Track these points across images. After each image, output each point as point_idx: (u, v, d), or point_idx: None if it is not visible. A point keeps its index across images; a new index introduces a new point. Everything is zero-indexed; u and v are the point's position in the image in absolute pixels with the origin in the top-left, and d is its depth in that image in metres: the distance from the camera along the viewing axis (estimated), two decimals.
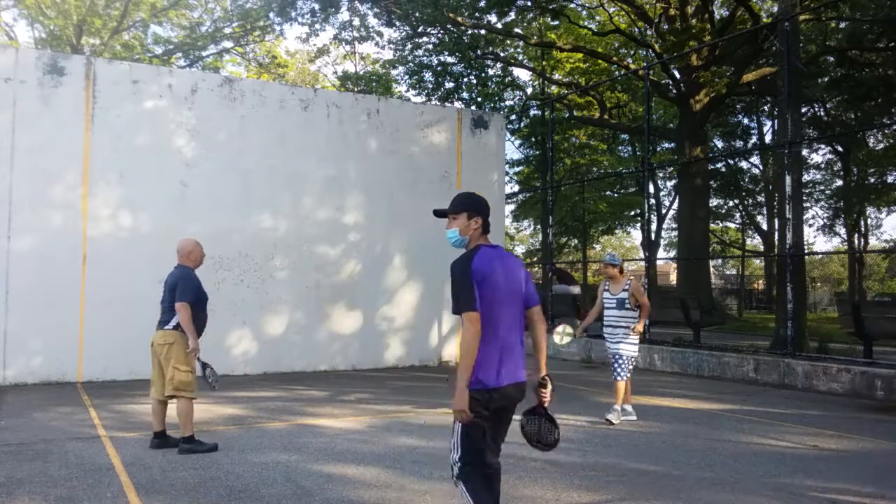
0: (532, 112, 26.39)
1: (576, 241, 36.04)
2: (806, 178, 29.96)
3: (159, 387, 5.94)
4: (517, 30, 24.65)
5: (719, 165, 30.77)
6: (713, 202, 32.04)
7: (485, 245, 3.39)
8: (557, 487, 4.99)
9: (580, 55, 24.82)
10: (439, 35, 22.11)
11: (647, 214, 16.83)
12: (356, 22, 23.78)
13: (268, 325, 11.19)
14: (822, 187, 33.22)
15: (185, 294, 5.90)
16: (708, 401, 9.09)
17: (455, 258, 3.34)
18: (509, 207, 31.53)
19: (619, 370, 7.64)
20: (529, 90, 30.22)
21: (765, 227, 33.75)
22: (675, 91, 21.07)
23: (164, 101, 10.69)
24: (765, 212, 33.58)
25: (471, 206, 3.44)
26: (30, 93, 9.84)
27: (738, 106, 27.05)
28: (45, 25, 26.99)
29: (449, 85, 23.48)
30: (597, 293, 8.18)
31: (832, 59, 21.88)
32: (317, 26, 23.20)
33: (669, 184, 34.96)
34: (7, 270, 9.55)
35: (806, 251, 19.57)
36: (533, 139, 27.97)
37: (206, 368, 6.04)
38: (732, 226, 41.60)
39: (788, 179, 11.46)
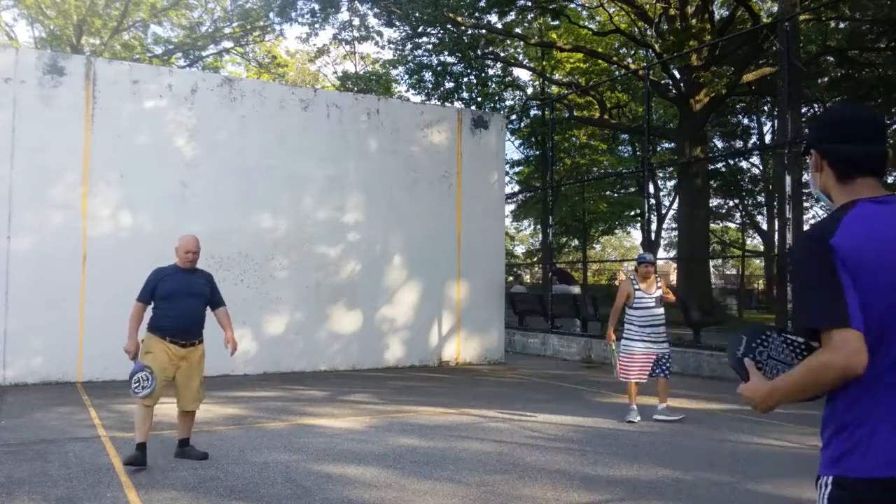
0: (532, 112, 26.39)
1: (576, 241, 36.05)
2: (806, 178, 29.91)
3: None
4: (517, 30, 24.65)
5: (719, 165, 30.77)
6: (713, 202, 32.03)
7: (865, 200, 1.75)
8: (557, 487, 4.99)
9: (580, 55, 24.81)
10: (439, 35, 22.10)
11: (647, 214, 16.85)
12: (356, 22, 23.80)
13: (268, 325, 11.19)
14: None
15: (140, 291, 5.64)
16: (708, 401, 9.09)
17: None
18: (509, 207, 31.55)
19: (670, 367, 7.70)
20: (529, 90, 30.23)
21: (765, 227, 33.77)
22: (675, 91, 21.06)
23: (164, 101, 10.69)
24: (765, 212, 33.59)
25: (815, 132, 1.88)
26: (30, 93, 9.84)
27: (738, 106, 27.04)
28: (45, 25, 27.00)
29: (449, 85, 23.48)
30: (620, 293, 7.81)
31: (832, 59, 21.87)
32: (317, 26, 23.22)
33: (669, 184, 34.96)
34: (7, 270, 9.55)
35: None
36: (533, 139, 27.97)
37: (140, 371, 5.30)
38: (732, 226, 41.61)
39: (788, 179, 11.47)
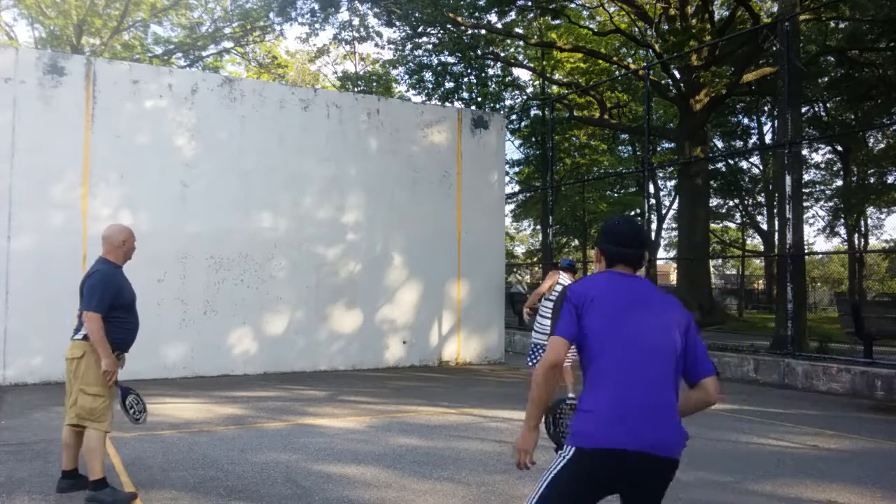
0: (532, 112, 26.38)
1: (576, 241, 36.03)
2: (806, 178, 29.97)
3: (70, 411, 4.60)
4: (517, 30, 24.66)
5: (719, 165, 30.76)
6: (713, 202, 32.04)
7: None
8: None
9: (580, 55, 24.81)
10: (439, 35, 22.10)
11: (647, 214, 16.82)
12: (356, 22, 23.80)
13: (268, 324, 11.19)
14: (822, 187, 33.24)
15: (91, 298, 4.49)
16: None
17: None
18: (509, 207, 31.54)
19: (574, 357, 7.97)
20: (529, 90, 30.20)
21: (765, 227, 33.76)
22: (675, 91, 21.06)
23: (164, 101, 10.69)
24: (765, 212, 33.59)
25: (599, 236, 2.79)
26: (30, 93, 9.85)
27: (738, 106, 27.04)
28: (45, 25, 27.00)
29: (449, 85, 23.48)
30: (547, 279, 8.55)
31: (832, 59, 21.87)
32: (317, 26, 23.22)
33: (669, 184, 34.97)
34: (7, 270, 9.55)
35: (806, 251, 19.58)
36: (533, 139, 27.95)
37: (126, 396, 4.68)
38: (732, 226, 41.61)
39: (788, 179, 11.46)
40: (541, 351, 8.03)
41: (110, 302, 4.52)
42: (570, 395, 7.89)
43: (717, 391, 2.57)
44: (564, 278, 8.29)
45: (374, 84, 26.44)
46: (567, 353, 2.53)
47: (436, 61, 23.60)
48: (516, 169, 31.11)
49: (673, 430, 2.39)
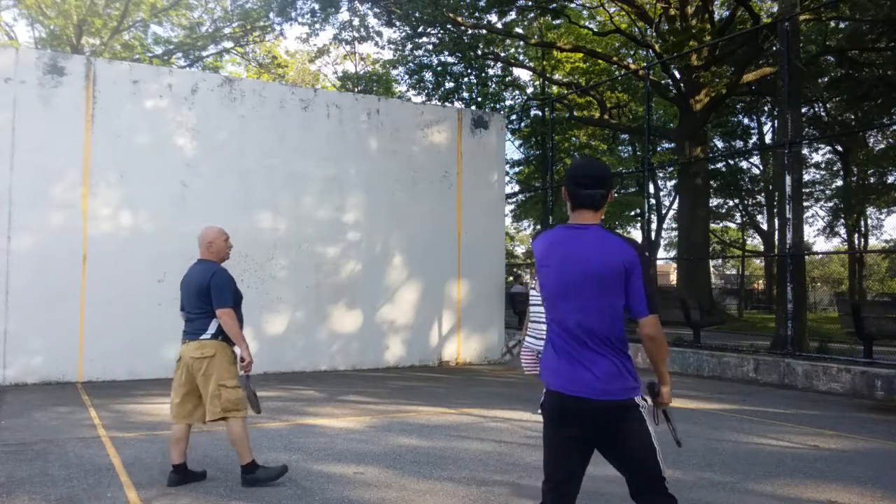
0: (532, 112, 26.39)
1: None
2: (806, 178, 29.97)
3: (188, 409, 4.88)
4: (517, 30, 24.65)
5: (719, 165, 30.77)
6: (713, 202, 32.03)
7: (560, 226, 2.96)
8: None
9: (580, 55, 24.81)
10: (439, 35, 22.10)
11: (647, 214, 16.84)
12: (356, 22, 23.79)
13: (268, 324, 11.19)
14: (822, 187, 33.24)
15: (223, 296, 4.87)
16: (708, 401, 9.09)
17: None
18: (509, 207, 31.53)
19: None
20: (530, 90, 30.22)
21: (765, 226, 33.76)
22: (675, 91, 21.06)
23: (164, 101, 10.69)
24: (765, 212, 33.58)
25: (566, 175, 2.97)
26: (30, 93, 9.85)
27: (738, 106, 27.04)
28: (45, 25, 27.00)
29: (449, 85, 23.48)
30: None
31: (832, 59, 21.87)
32: (317, 26, 23.23)
33: (669, 184, 34.96)
34: (7, 270, 9.55)
35: (806, 251, 19.58)
36: (533, 139, 27.97)
37: (249, 386, 4.95)
38: (732, 226, 41.61)
39: (788, 179, 11.46)
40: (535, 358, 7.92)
41: (234, 294, 4.96)
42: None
43: (651, 328, 2.76)
44: (535, 284, 8.24)
45: (374, 84, 26.45)
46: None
47: (436, 61, 23.61)
48: (516, 169, 31.13)
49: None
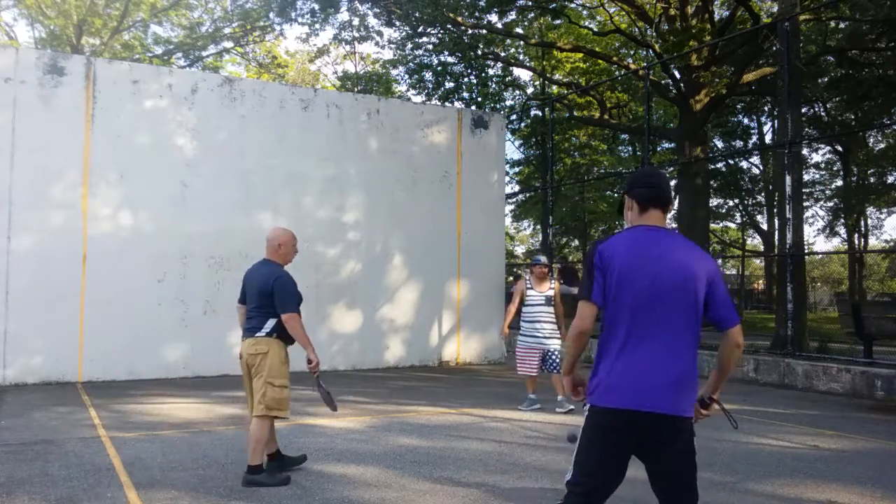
0: (532, 112, 26.38)
1: (576, 241, 36.02)
2: (806, 178, 29.96)
3: (257, 405, 5.12)
4: (517, 30, 24.64)
5: (719, 165, 30.75)
6: (713, 202, 32.01)
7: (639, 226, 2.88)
8: (558, 487, 4.99)
9: (580, 55, 24.79)
10: (439, 35, 22.08)
11: None
12: (356, 22, 23.77)
13: None
14: (822, 187, 33.23)
15: (289, 302, 5.06)
16: None
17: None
18: (509, 207, 31.53)
19: (558, 363, 8.22)
20: (530, 90, 30.21)
21: (765, 226, 33.75)
22: (675, 91, 21.03)
23: (164, 101, 10.69)
24: (765, 212, 33.58)
25: (626, 184, 2.97)
26: (30, 93, 9.85)
27: (738, 106, 27.02)
28: (45, 25, 26.99)
29: (449, 85, 23.46)
30: (515, 293, 8.72)
31: (832, 59, 21.85)
32: (317, 26, 23.19)
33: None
34: (7, 270, 9.55)
35: (806, 251, 19.57)
36: (533, 139, 27.96)
37: (321, 385, 5.20)
38: (732, 226, 41.60)
39: (788, 179, 11.46)
40: (526, 357, 8.32)
41: (298, 297, 5.07)
42: (559, 397, 8.12)
43: (741, 336, 2.75)
44: (530, 283, 8.42)
45: (374, 84, 26.43)
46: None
47: (436, 61, 23.59)
48: (516, 169, 31.12)
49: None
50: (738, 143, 30.74)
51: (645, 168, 2.94)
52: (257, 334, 5.04)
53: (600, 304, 2.70)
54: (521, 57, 27.95)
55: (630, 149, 33.30)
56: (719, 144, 30.94)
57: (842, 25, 21.28)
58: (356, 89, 24.87)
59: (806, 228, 36.63)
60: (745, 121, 29.85)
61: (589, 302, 2.70)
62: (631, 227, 2.78)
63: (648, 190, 2.77)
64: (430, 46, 23.23)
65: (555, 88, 26.95)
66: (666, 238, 2.72)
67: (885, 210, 32.59)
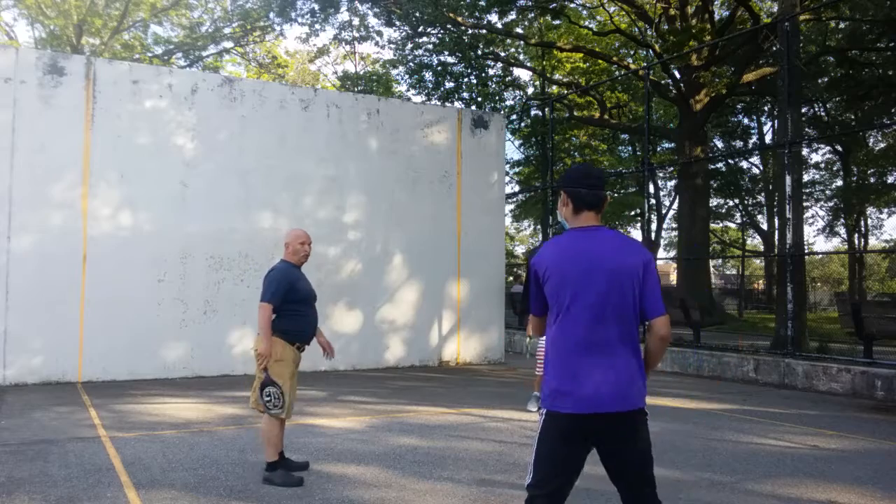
0: (532, 112, 26.38)
1: None
2: (806, 178, 29.97)
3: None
4: (517, 30, 24.65)
5: (719, 165, 30.76)
6: (713, 202, 32.03)
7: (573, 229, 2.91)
8: None
9: (580, 55, 24.81)
10: (439, 35, 22.10)
11: (647, 214, 16.85)
12: (356, 22, 23.79)
13: None
14: (822, 187, 33.23)
15: (265, 291, 5.03)
16: (708, 401, 9.09)
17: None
18: (509, 207, 31.52)
19: None
20: (530, 90, 30.22)
21: (765, 226, 33.76)
22: (675, 91, 21.05)
23: (164, 101, 10.69)
24: (765, 212, 33.59)
25: (561, 179, 3.00)
26: (30, 93, 9.84)
27: (738, 106, 27.03)
28: (45, 25, 27.01)
29: (449, 85, 23.47)
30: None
31: (832, 59, 21.86)
32: (317, 26, 23.18)
33: (669, 184, 34.97)
34: (7, 270, 9.55)
35: (806, 251, 19.58)
36: (533, 139, 27.96)
37: (266, 386, 4.99)
38: (732, 226, 41.61)
39: (788, 179, 11.46)
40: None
41: (283, 296, 5.01)
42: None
43: (667, 328, 2.73)
44: None
45: (374, 84, 26.44)
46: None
47: (436, 61, 23.59)
48: (516, 169, 31.13)
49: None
50: (738, 143, 30.75)
51: (582, 165, 2.90)
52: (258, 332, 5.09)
53: (540, 314, 2.80)
54: (521, 57, 27.97)
55: (630, 149, 33.33)
56: (719, 144, 30.95)
57: (842, 25, 21.30)
58: (356, 89, 24.87)
59: (806, 228, 36.68)
60: (745, 121, 29.89)
61: (531, 315, 2.88)
62: (563, 233, 2.86)
63: (588, 192, 2.82)
64: (430, 46, 23.25)
65: (555, 88, 26.96)
66: (598, 236, 2.77)
67: (885, 210, 32.60)
